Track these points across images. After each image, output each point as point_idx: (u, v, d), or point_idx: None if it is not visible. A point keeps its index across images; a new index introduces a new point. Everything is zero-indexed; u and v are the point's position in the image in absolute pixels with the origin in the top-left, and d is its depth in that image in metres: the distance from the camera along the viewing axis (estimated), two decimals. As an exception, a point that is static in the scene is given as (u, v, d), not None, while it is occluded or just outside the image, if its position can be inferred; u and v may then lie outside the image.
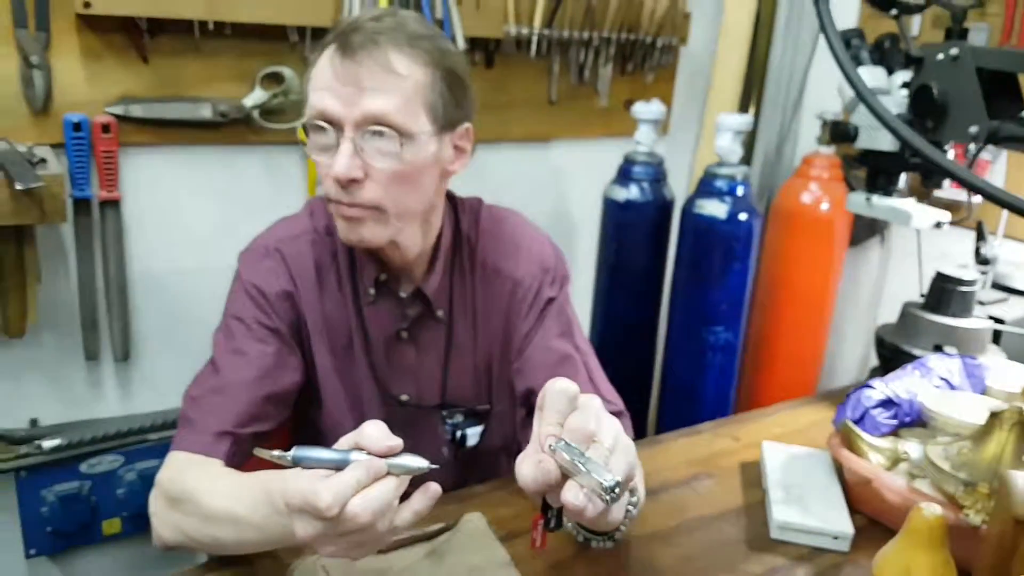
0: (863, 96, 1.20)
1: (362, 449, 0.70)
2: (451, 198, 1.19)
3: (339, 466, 0.69)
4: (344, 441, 0.72)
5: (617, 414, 1.09)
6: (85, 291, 1.64)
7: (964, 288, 1.47)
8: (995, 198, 1.01)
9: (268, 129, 1.69)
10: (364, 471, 0.68)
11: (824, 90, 2.15)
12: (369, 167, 0.96)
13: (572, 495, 0.65)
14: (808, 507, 1.11)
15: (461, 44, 1.81)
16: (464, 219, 1.19)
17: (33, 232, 1.52)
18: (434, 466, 0.71)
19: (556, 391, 0.71)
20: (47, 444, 1.61)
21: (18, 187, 1.33)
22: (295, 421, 1.18)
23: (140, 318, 1.73)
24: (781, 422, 1.45)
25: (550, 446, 0.67)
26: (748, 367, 2.27)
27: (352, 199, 0.98)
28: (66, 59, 1.52)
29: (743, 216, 1.89)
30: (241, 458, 1.00)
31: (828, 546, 1.07)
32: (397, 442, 0.71)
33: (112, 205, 1.62)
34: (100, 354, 1.69)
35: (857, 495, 1.15)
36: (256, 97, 1.65)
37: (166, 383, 1.73)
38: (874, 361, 1.62)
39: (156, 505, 0.97)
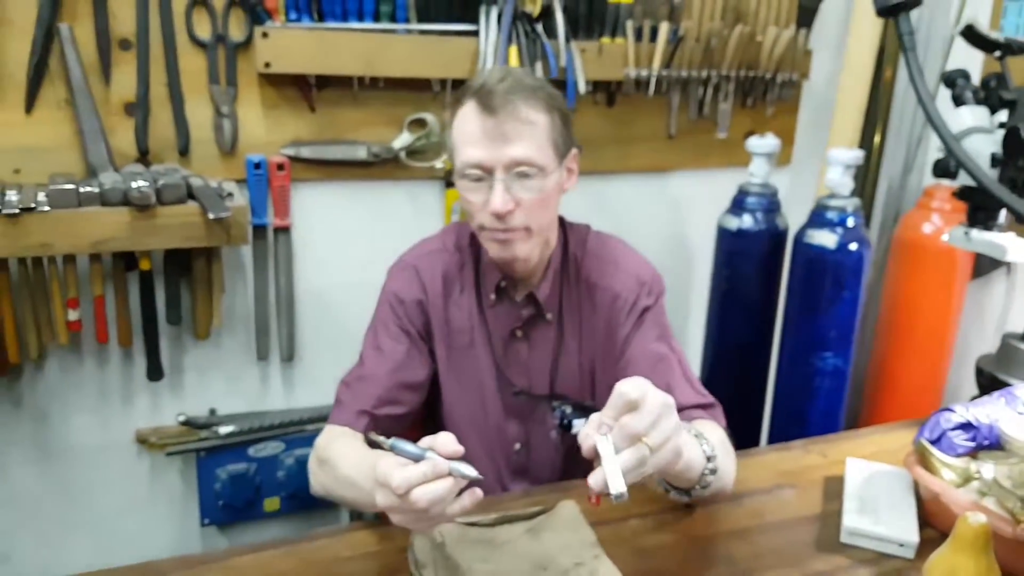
0: (941, 135, 1.29)
1: (434, 450, 0.87)
2: (562, 222, 1.37)
3: (417, 459, 0.86)
4: (424, 441, 0.89)
5: (707, 406, 1.25)
6: (259, 302, 1.93)
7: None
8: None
9: (412, 167, 1.94)
10: (431, 467, 0.85)
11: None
12: (519, 199, 1.18)
13: (592, 478, 0.83)
14: (879, 517, 1.19)
15: (583, 88, 1.98)
16: (572, 240, 1.37)
17: (220, 252, 1.81)
18: (480, 476, 0.87)
19: (618, 392, 0.87)
20: (223, 430, 1.90)
21: (211, 216, 1.62)
22: (426, 403, 1.39)
23: (304, 326, 2.00)
24: (874, 443, 1.51)
25: (599, 433, 0.85)
26: (868, 394, 2.31)
27: (507, 226, 1.20)
28: (249, 109, 1.81)
29: (853, 246, 1.96)
30: (379, 434, 1.22)
31: (894, 552, 1.14)
32: (460, 449, 0.88)
33: (284, 231, 1.90)
34: (269, 355, 1.98)
35: (930, 510, 1.22)
36: (403, 140, 1.89)
37: (323, 381, 1.99)
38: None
39: (312, 463, 1.22)
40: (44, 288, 1.69)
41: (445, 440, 0.88)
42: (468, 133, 1.18)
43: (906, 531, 1.16)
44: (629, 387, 0.88)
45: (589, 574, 1.02)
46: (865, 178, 2.41)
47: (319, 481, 1.19)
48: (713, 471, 1.08)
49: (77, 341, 1.81)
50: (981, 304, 2.29)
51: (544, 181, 1.19)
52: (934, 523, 1.21)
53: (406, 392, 1.30)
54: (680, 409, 1.20)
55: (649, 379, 1.22)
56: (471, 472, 0.86)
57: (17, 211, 1.52)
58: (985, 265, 2.22)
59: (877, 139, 2.38)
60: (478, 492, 0.89)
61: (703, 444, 1.09)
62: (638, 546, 1.13)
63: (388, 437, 0.90)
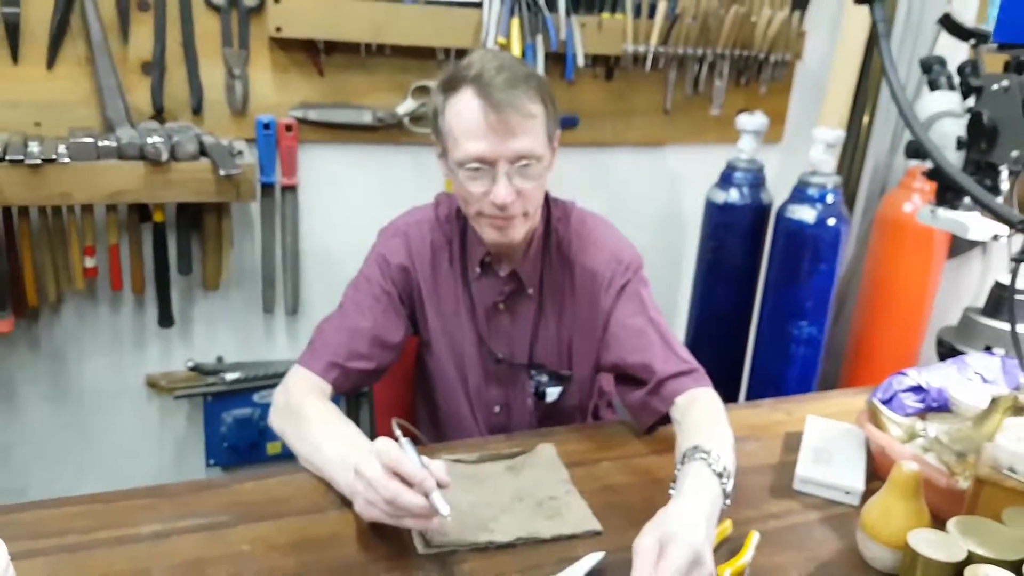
0: (903, 115, 1.37)
1: (429, 469, 0.98)
2: (546, 198, 1.43)
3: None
4: (424, 460, 1.00)
5: (690, 371, 1.34)
6: (266, 257, 2.03)
7: (1020, 296, 1.59)
8: (988, 207, 1.18)
9: (416, 132, 2.03)
10: (424, 480, 0.96)
11: (931, 106, 2.25)
12: (520, 189, 1.24)
13: None
14: (830, 467, 1.29)
15: (581, 61, 2.06)
16: (555, 216, 1.43)
17: (229, 208, 1.91)
18: (447, 515, 0.95)
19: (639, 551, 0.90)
20: (229, 376, 2.01)
21: (221, 173, 1.71)
22: (416, 365, 1.50)
23: (308, 281, 2.10)
24: (837, 404, 1.58)
25: None
26: (846, 363, 2.41)
27: (507, 213, 1.26)
28: (260, 71, 1.90)
29: (831, 221, 2.05)
30: (346, 385, 1.32)
31: (841, 500, 1.23)
32: (448, 481, 0.99)
33: (291, 190, 1.99)
34: (274, 308, 2.09)
35: (878, 463, 1.32)
36: (407, 106, 1.98)
37: None
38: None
39: (276, 401, 1.29)
40: (63, 236, 1.79)
41: (439, 468, 0.99)
42: (470, 127, 1.20)
43: (853, 480, 1.26)
44: (644, 544, 0.90)
45: (561, 506, 1.13)
46: (853, 157, 2.50)
47: (280, 424, 1.26)
48: (728, 478, 1.09)
49: (92, 287, 1.91)
50: (957, 282, 2.38)
51: (541, 168, 1.26)
52: (881, 476, 1.29)
53: (379, 349, 1.36)
54: (666, 379, 1.32)
55: (630, 352, 1.35)
56: (443, 508, 0.96)
57: (39, 162, 1.62)
58: (962, 245, 2.31)
59: (866, 119, 2.46)
60: (435, 521, 0.99)
61: (712, 465, 1.09)
62: (607, 484, 1.23)
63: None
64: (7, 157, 1.60)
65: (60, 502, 1.09)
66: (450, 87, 1.24)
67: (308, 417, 1.21)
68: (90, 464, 2.03)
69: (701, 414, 1.29)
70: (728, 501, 1.09)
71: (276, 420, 1.28)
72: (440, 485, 0.98)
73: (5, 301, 1.75)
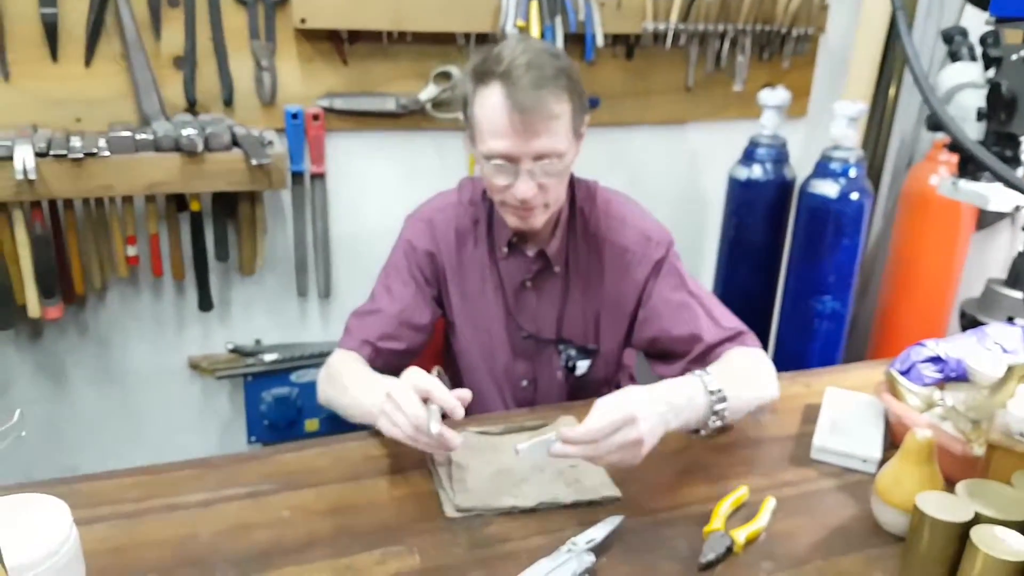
0: (921, 89, 1.38)
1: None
2: (570, 179, 1.47)
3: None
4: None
5: (734, 337, 1.40)
6: (298, 243, 2.09)
7: (1041, 267, 1.60)
8: (1004, 179, 1.19)
9: (438, 118, 2.07)
10: (451, 405, 1.09)
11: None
12: (541, 183, 1.29)
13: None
14: (847, 436, 1.31)
15: (600, 41, 2.09)
16: (580, 195, 1.48)
17: (262, 196, 1.97)
18: (456, 447, 1.10)
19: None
20: (267, 357, 2.09)
21: (254, 162, 1.77)
22: (444, 344, 1.57)
23: (338, 265, 2.17)
24: (857, 376, 1.60)
25: None
26: (873, 337, 2.42)
27: (528, 206, 1.31)
28: (287, 62, 1.95)
29: (854, 196, 2.06)
30: (377, 362, 1.40)
31: (858, 467, 1.25)
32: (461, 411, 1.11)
33: (319, 177, 2.05)
34: (308, 292, 2.15)
35: (896, 432, 1.35)
36: (429, 92, 2.02)
37: None
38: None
39: (320, 376, 1.41)
40: (105, 226, 1.87)
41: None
42: (495, 124, 1.24)
43: (870, 448, 1.28)
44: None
45: (580, 474, 1.18)
46: (879, 130, 2.49)
47: (324, 392, 1.39)
48: (721, 400, 1.20)
49: (135, 274, 1.99)
50: (984, 254, 2.37)
51: (564, 163, 1.30)
52: (899, 445, 1.31)
53: (408, 331, 1.45)
54: (711, 346, 1.38)
55: (675, 326, 1.41)
56: (455, 440, 1.09)
57: (81, 156, 1.69)
58: (989, 217, 2.30)
59: (892, 92, 2.45)
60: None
61: (706, 382, 1.21)
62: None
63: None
64: (51, 152, 1.67)
65: (114, 474, 1.17)
66: (480, 79, 1.27)
67: (344, 376, 1.34)
68: (138, 442, 2.13)
69: (729, 360, 1.35)
70: (719, 422, 1.21)
71: (321, 392, 1.40)
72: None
73: (54, 289, 1.83)
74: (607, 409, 1.07)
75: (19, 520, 0.83)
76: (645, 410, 1.08)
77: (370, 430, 1.27)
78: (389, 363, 1.44)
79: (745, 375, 1.32)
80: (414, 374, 1.13)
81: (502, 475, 1.16)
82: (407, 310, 1.44)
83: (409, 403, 1.08)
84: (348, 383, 1.31)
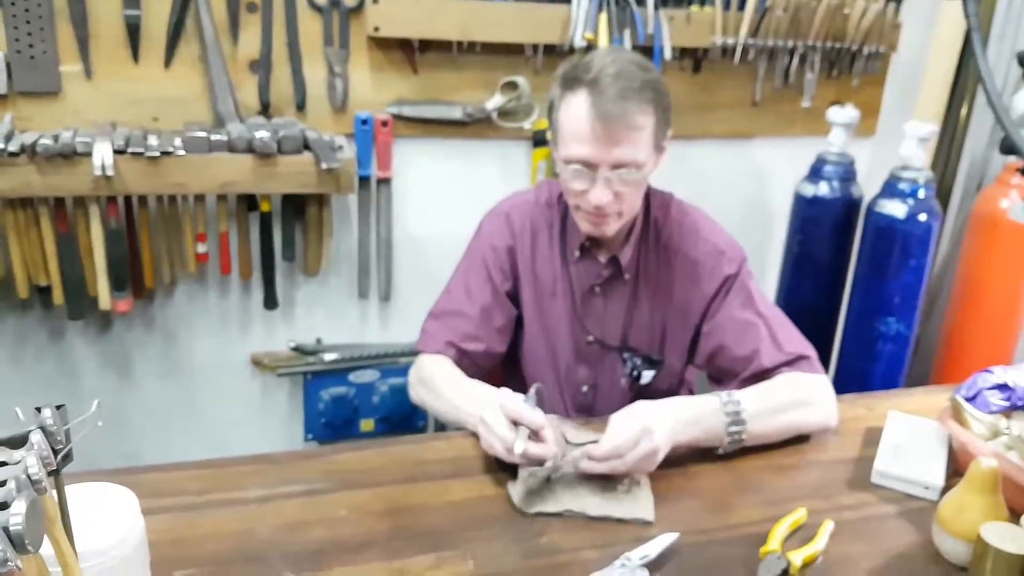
0: (996, 112, 1.35)
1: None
2: (646, 189, 1.47)
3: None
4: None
5: (792, 362, 1.39)
6: (362, 246, 2.13)
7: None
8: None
9: (503, 127, 2.09)
10: (537, 424, 1.13)
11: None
12: (617, 192, 1.31)
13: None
14: (909, 462, 1.29)
15: (668, 54, 2.08)
16: (654, 207, 1.49)
17: (330, 199, 2.01)
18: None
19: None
20: (327, 357, 2.13)
21: (323, 166, 1.81)
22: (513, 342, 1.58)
23: (400, 269, 2.19)
24: (920, 401, 1.56)
25: None
26: (937, 361, 2.35)
27: (603, 212, 1.33)
28: (358, 69, 1.98)
29: (922, 217, 2.02)
30: (463, 363, 1.42)
31: (920, 494, 1.23)
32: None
33: (385, 182, 2.08)
34: (369, 294, 2.18)
35: (960, 460, 1.32)
36: (495, 101, 2.04)
37: (415, 320, 2.11)
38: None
39: (412, 379, 1.45)
40: (177, 223, 1.92)
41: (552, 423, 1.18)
42: (578, 130, 1.27)
43: (932, 475, 1.25)
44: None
45: (620, 491, 1.16)
46: (949, 151, 2.44)
47: (417, 395, 1.43)
48: (738, 423, 1.24)
49: (203, 271, 2.05)
50: (1058, 280, 2.29)
51: (642, 174, 1.31)
52: (962, 472, 1.27)
53: (489, 332, 1.47)
54: (766, 371, 1.38)
55: (736, 345, 1.42)
56: (517, 448, 1.11)
57: (157, 154, 1.75)
58: (1064, 242, 2.23)
59: (963, 113, 2.39)
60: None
61: (724, 403, 1.25)
62: (686, 471, 1.26)
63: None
64: (129, 150, 1.73)
65: (176, 466, 1.20)
66: (567, 85, 1.29)
67: (438, 381, 1.38)
68: (198, 435, 2.18)
69: (773, 384, 1.34)
70: (736, 443, 1.25)
71: (414, 394, 1.45)
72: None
73: (125, 282, 1.89)
74: (625, 423, 1.15)
75: (90, 508, 0.85)
76: (657, 421, 1.15)
77: (429, 434, 1.29)
78: (474, 364, 1.47)
79: (782, 400, 1.32)
80: (505, 398, 1.17)
81: (552, 481, 1.17)
82: (488, 311, 1.47)
83: (499, 426, 1.14)
84: (443, 389, 1.35)
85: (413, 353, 2.14)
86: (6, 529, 0.55)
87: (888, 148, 2.49)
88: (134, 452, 2.14)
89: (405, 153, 2.09)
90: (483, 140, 2.12)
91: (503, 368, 1.64)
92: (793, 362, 1.39)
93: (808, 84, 2.33)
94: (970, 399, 1.36)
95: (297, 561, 1.01)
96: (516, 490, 1.14)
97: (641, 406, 1.19)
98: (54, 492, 0.68)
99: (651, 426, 1.14)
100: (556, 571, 1.01)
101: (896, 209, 2.03)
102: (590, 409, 1.57)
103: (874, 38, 2.27)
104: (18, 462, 0.62)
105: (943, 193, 2.41)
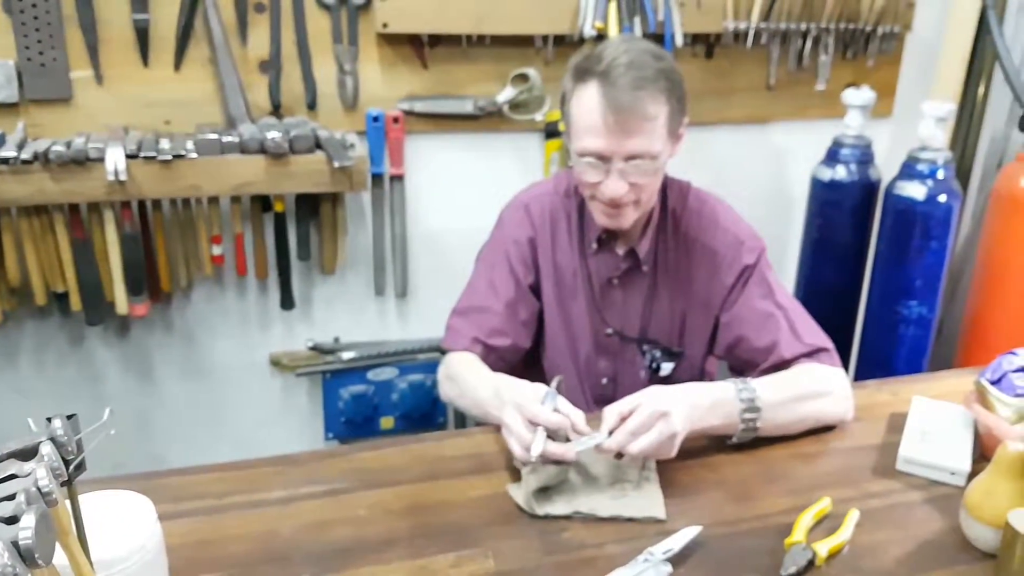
0: (1014, 89, 1.33)
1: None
2: (663, 179, 1.46)
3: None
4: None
5: (812, 353, 1.37)
6: (377, 243, 2.13)
7: None
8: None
9: (515, 119, 2.08)
10: (556, 425, 1.11)
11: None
12: (632, 182, 1.29)
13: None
14: (935, 447, 1.27)
15: (680, 41, 2.06)
16: (671, 197, 1.47)
17: (343, 197, 2.01)
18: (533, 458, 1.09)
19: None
20: (345, 355, 2.13)
21: (336, 165, 1.81)
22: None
23: (416, 265, 2.19)
24: (945, 385, 1.54)
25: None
26: (961, 344, 2.33)
27: (618, 204, 1.31)
28: (368, 66, 1.98)
29: (942, 198, 1.99)
30: (489, 359, 1.41)
31: (946, 480, 1.21)
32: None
33: (398, 179, 2.08)
34: (385, 291, 2.19)
35: (985, 444, 1.30)
36: (507, 94, 2.03)
37: (433, 316, 2.16)
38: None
39: (441, 376, 1.44)
40: (192, 226, 1.93)
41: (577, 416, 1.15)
42: (590, 122, 1.25)
43: (959, 460, 1.23)
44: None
45: (630, 489, 1.15)
46: (968, 130, 2.40)
47: (446, 392, 1.43)
48: (752, 411, 1.22)
49: (220, 273, 2.06)
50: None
51: (657, 163, 1.30)
52: (989, 457, 1.25)
53: (515, 326, 1.46)
54: (785, 362, 1.37)
55: (755, 336, 1.40)
56: (534, 450, 1.09)
57: (170, 157, 1.75)
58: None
59: (981, 91, 2.36)
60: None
61: (740, 391, 1.23)
62: (708, 460, 1.25)
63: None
64: (141, 154, 1.74)
65: (197, 469, 1.21)
66: (579, 76, 1.28)
67: (465, 378, 1.36)
68: (220, 435, 2.19)
69: (789, 374, 1.33)
70: (751, 432, 1.23)
71: (443, 392, 1.45)
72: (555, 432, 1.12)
73: (142, 287, 1.90)
74: (641, 405, 1.12)
75: (106, 516, 0.85)
76: (675, 405, 1.12)
77: (449, 431, 1.29)
78: (501, 359, 1.46)
79: (799, 390, 1.30)
80: (524, 396, 1.15)
81: (562, 483, 1.16)
82: (512, 305, 1.46)
83: (517, 427, 1.11)
84: (469, 386, 1.34)
85: (432, 349, 2.17)
86: (16, 543, 0.54)
87: (906, 129, 2.46)
88: (159, 453, 2.16)
89: (417, 149, 2.08)
90: (495, 133, 2.11)
91: (523, 360, 1.63)
92: (813, 354, 1.38)
93: (822, 66, 2.31)
94: (995, 382, 1.34)
95: (320, 561, 1.01)
96: (519, 491, 1.13)
97: (654, 389, 1.16)
98: (67, 503, 0.67)
99: (669, 409, 1.11)
100: (578, 567, 1.01)
101: (915, 191, 2.01)
102: (610, 401, 1.55)
103: (888, 18, 2.25)
104: (28, 474, 0.60)
105: (963, 173, 2.37)
